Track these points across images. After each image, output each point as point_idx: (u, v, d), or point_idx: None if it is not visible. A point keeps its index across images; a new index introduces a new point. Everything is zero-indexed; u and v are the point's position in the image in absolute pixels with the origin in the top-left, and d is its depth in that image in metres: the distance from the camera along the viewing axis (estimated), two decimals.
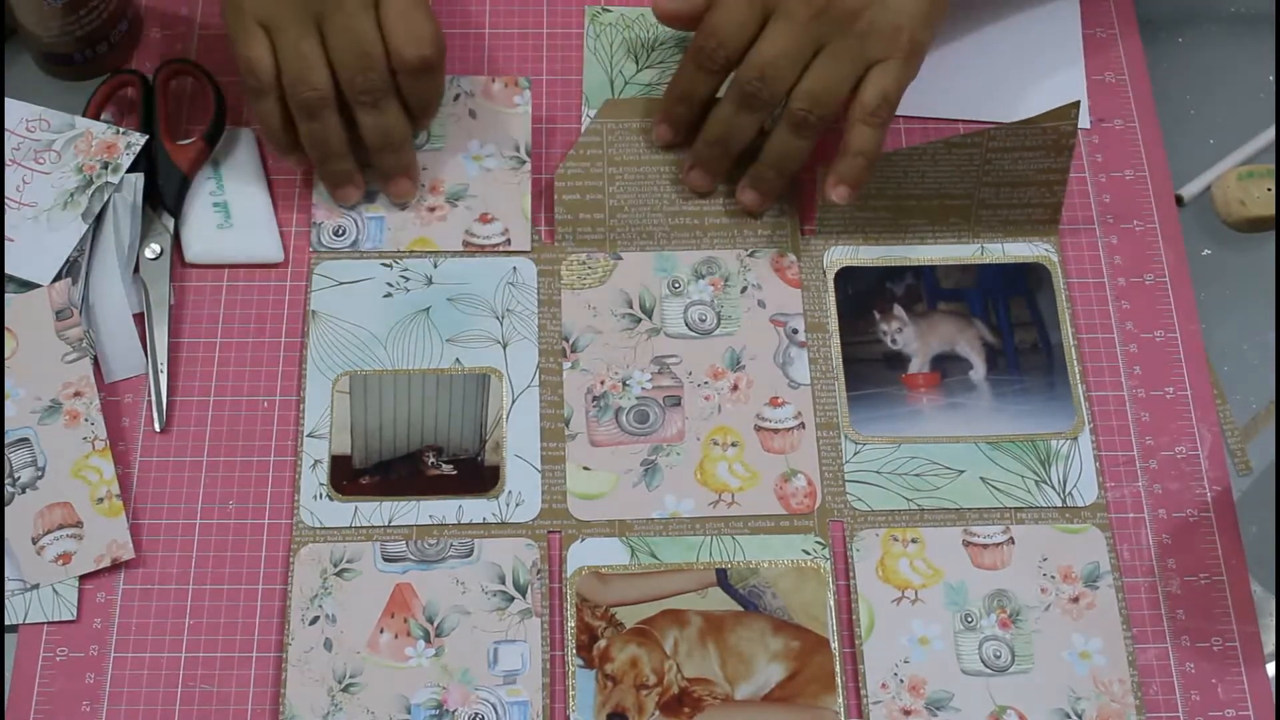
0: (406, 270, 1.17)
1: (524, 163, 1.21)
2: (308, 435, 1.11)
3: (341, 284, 1.17)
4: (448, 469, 1.11)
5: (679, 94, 1.18)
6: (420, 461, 1.11)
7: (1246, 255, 1.22)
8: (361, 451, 1.11)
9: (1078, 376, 1.14)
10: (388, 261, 1.17)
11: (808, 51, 1.11)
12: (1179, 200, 1.23)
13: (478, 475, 1.11)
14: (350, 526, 1.08)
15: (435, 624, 1.05)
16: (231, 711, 1.03)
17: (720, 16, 1.13)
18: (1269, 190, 1.20)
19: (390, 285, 1.17)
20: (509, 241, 1.18)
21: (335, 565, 1.07)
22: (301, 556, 1.07)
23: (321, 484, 1.10)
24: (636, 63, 1.25)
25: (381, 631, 1.05)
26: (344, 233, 1.18)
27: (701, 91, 1.17)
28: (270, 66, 1.12)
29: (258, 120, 1.16)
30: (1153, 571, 1.09)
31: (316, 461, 1.10)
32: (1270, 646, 1.07)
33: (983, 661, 1.05)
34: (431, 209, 1.19)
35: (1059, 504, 1.10)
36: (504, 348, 1.15)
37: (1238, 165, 1.23)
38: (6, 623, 1.05)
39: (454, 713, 1.03)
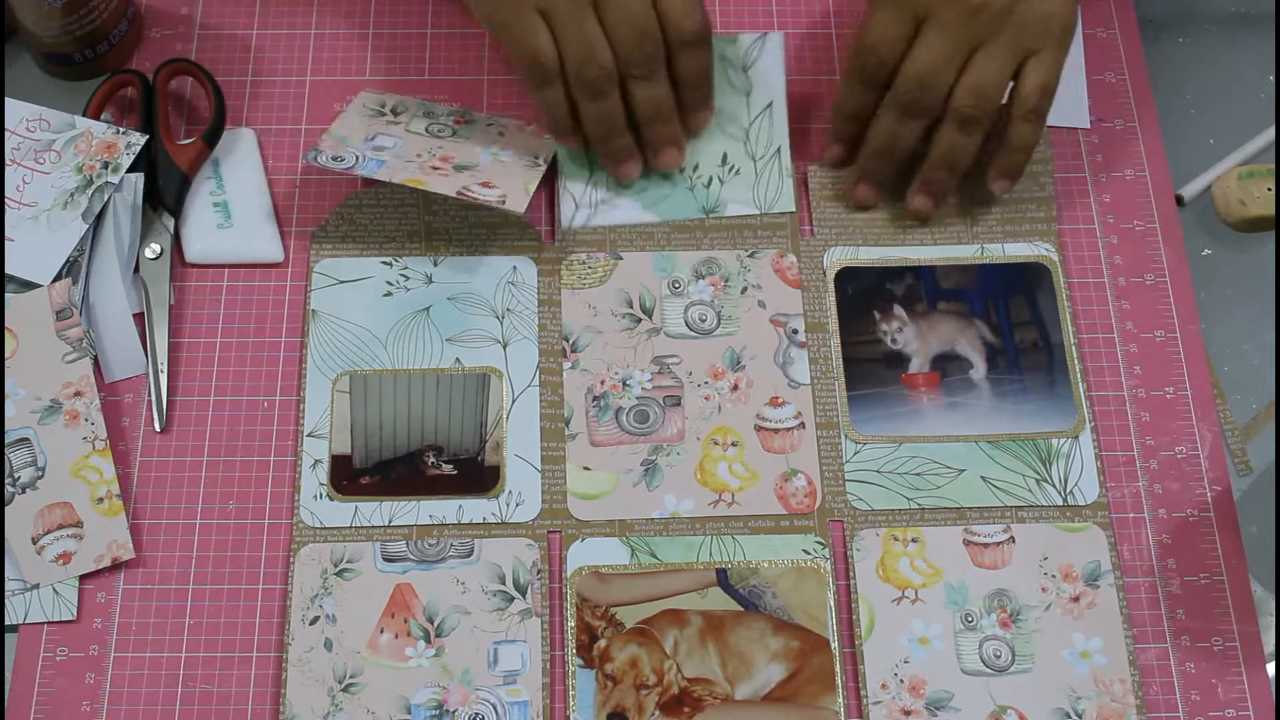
0: (406, 269, 1.16)
1: (539, 166, 1.18)
2: (308, 435, 1.10)
3: (342, 282, 1.16)
4: (448, 469, 1.10)
5: (847, 113, 1.18)
6: (420, 461, 1.10)
7: (1246, 255, 1.21)
8: (361, 451, 1.10)
9: (1078, 375, 1.13)
10: (388, 259, 1.16)
11: (963, 54, 1.11)
12: (1179, 200, 1.22)
13: (478, 475, 1.10)
14: (350, 526, 1.08)
15: (435, 624, 1.05)
16: (232, 711, 1.03)
17: (873, 33, 1.13)
18: (1269, 190, 1.20)
19: (390, 284, 1.16)
20: (504, 201, 1.14)
21: (335, 565, 1.06)
22: (301, 556, 1.06)
23: (321, 484, 1.09)
24: None
25: (382, 631, 1.04)
26: (343, 160, 1.16)
27: (865, 106, 1.16)
28: (554, 53, 1.11)
29: (541, 109, 1.15)
30: (1153, 571, 1.08)
31: (316, 461, 1.10)
32: (1270, 646, 1.06)
33: (983, 661, 1.04)
34: (435, 168, 1.16)
35: (1059, 503, 1.09)
36: (504, 347, 1.14)
37: (1238, 165, 1.22)
38: (6, 623, 1.04)
39: (454, 713, 1.02)
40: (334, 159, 1.15)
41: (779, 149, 1.19)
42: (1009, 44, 1.11)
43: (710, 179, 1.18)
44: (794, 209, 1.19)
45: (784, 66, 1.20)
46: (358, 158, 1.16)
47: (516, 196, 1.14)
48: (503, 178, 1.16)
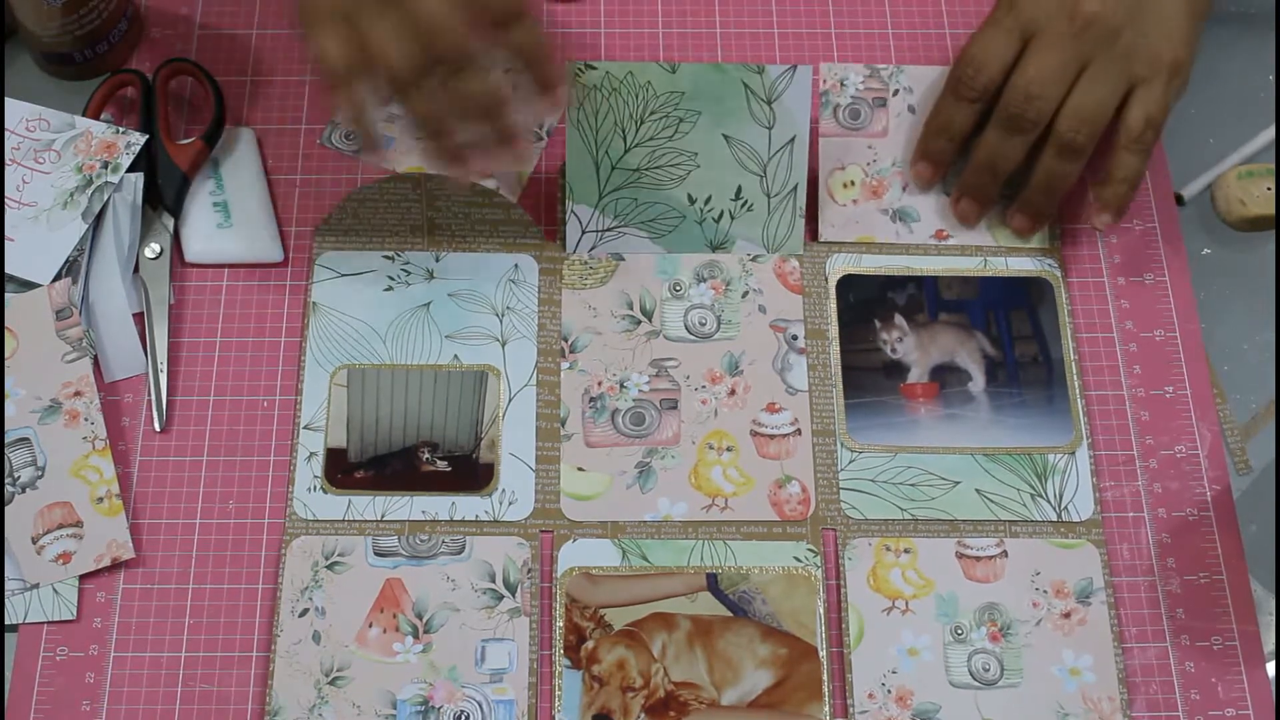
0: (408, 264, 1.14)
1: (542, 140, 1.17)
2: (304, 427, 1.08)
3: (343, 275, 1.13)
4: (442, 465, 1.07)
5: (938, 127, 1.15)
6: (415, 457, 1.08)
7: (1246, 254, 1.18)
8: (356, 445, 1.08)
9: (1078, 391, 1.11)
10: (390, 254, 1.14)
11: (1071, 71, 1.09)
12: (1179, 199, 1.19)
13: (472, 472, 1.07)
14: (343, 520, 1.06)
15: (424, 620, 1.03)
16: (232, 711, 1.01)
17: (978, 45, 1.12)
18: (1269, 189, 1.17)
19: (392, 279, 1.13)
20: (497, 191, 1.15)
21: (326, 558, 1.04)
22: (293, 549, 1.04)
23: (316, 476, 1.07)
24: (625, 140, 1.15)
25: (370, 626, 1.02)
26: (354, 138, 1.17)
27: (960, 123, 1.14)
28: (347, 54, 0.99)
29: (344, 114, 1.03)
30: (1152, 571, 1.05)
31: (312, 454, 1.08)
32: (1270, 645, 1.04)
33: (971, 674, 1.01)
34: None
35: (1054, 518, 1.06)
36: (503, 346, 1.11)
37: (1238, 165, 1.20)
38: (6, 622, 1.02)
39: (440, 709, 1.00)
40: (346, 136, 1.15)
41: (795, 187, 1.14)
42: (1117, 67, 1.09)
43: (721, 213, 1.14)
44: (802, 252, 1.15)
45: (811, 102, 1.13)
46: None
47: (510, 186, 1.15)
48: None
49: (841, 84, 1.20)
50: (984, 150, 1.13)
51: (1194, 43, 1.11)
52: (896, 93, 1.20)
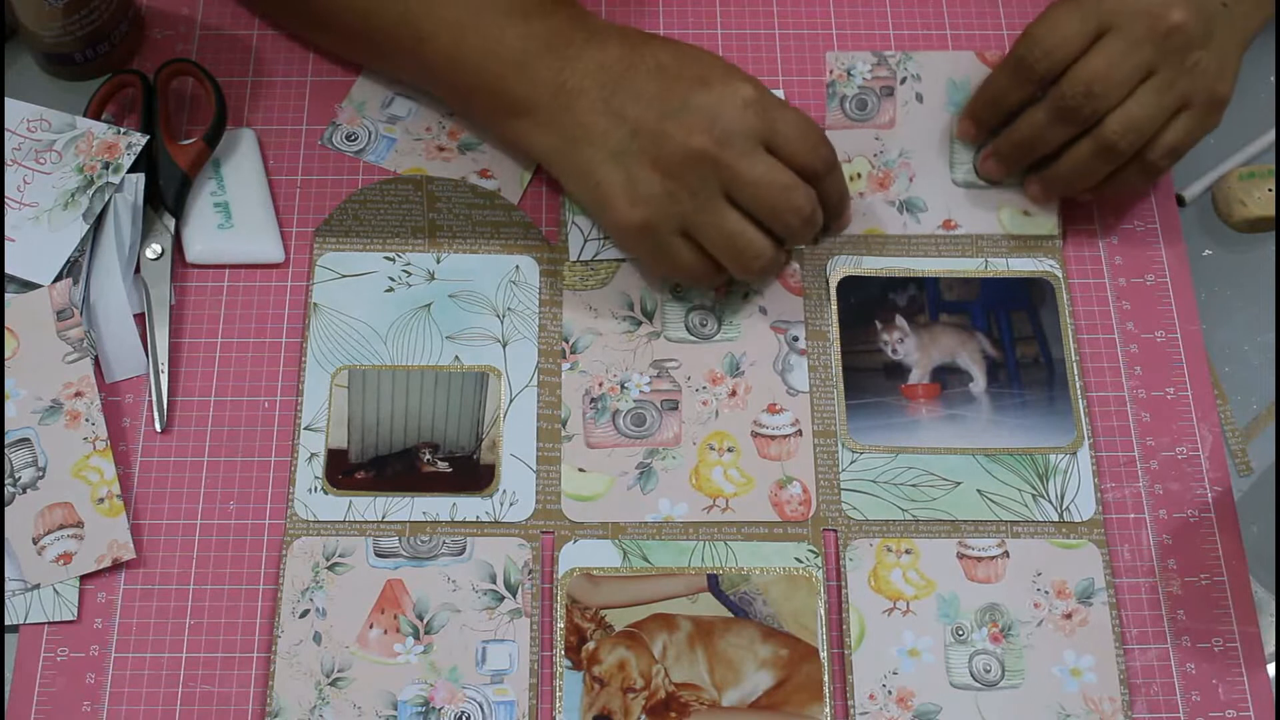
0: (409, 265, 1.13)
1: None
2: (305, 428, 1.08)
3: (344, 276, 1.13)
4: (443, 466, 1.07)
5: (989, 98, 1.14)
6: (415, 458, 1.07)
7: (1247, 256, 1.17)
8: (357, 446, 1.07)
9: (1079, 392, 1.10)
10: (391, 255, 1.13)
11: (1137, 76, 1.06)
12: (1180, 200, 1.19)
13: (473, 473, 1.07)
14: (344, 521, 1.05)
15: (425, 621, 1.02)
16: (232, 711, 1.00)
17: (1047, 27, 1.08)
18: (1270, 191, 1.17)
19: (393, 280, 1.13)
20: (498, 194, 1.16)
21: (327, 559, 1.04)
22: (294, 550, 1.04)
23: (317, 477, 1.06)
24: None
25: (371, 627, 1.02)
26: (356, 139, 1.17)
27: (1012, 100, 1.12)
28: (708, 265, 1.07)
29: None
30: (1153, 572, 1.05)
31: (313, 455, 1.07)
32: (1271, 647, 1.03)
33: (972, 675, 1.01)
34: (441, 148, 1.17)
35: (1055, 519, 1.05)
36: (504, 346, 1.11)
37: (1239, 166, 1.19)
38: (7, 623, 1.01)
39: (440, 710, 1.00)
40: (348, 137, 1.16)
41: None
42: (1179, 83, 1.06)
43: None
44: (804, 253, 1.15)
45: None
46: (370, 134, 1.16)
47: (512, 188, 1.15)
48: (502, 161, 1.17)
49: (849, 73, 1.19)
50: (1027, 127, 1.11)
51: (1236, 78, 1.09)
52: (904, 80, 1.19)
